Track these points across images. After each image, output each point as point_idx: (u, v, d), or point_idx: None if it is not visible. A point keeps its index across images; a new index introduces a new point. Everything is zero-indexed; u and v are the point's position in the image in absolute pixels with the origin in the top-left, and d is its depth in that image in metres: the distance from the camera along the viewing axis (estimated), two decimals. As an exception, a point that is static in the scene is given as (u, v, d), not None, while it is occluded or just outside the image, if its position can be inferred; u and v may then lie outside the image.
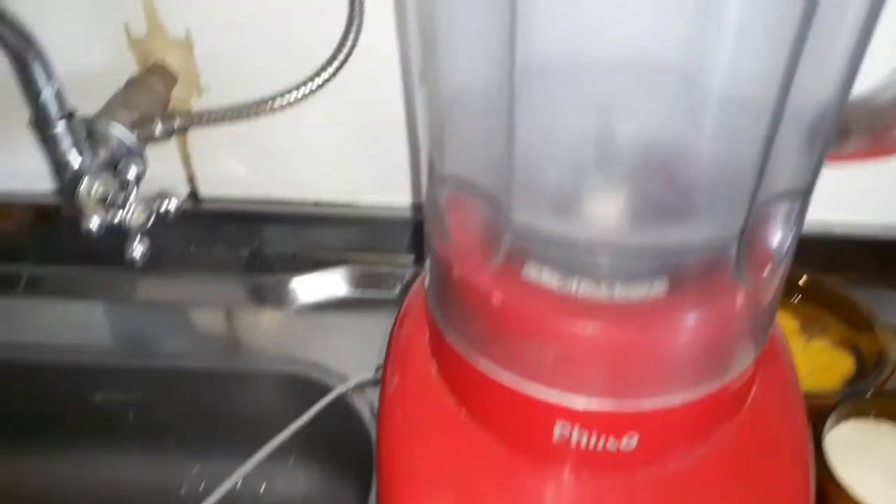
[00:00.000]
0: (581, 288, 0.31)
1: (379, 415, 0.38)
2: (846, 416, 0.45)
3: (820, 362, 0.55)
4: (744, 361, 0.34)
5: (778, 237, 0.33)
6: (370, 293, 0.62)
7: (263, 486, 0.59)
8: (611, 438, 0.33)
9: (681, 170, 0.30)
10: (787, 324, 0.57)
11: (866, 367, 0.54)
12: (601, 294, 0.31)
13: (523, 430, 0.34)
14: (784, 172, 0.31)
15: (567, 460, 0.34)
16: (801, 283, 0.58)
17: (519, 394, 0.33)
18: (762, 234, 0.32)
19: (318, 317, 0.60)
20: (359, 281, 0.62)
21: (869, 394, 0.47)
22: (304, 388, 0.56)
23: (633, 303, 0.32)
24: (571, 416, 0.32)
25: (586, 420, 0.32)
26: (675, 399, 0.32)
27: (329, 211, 0.62)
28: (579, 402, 0.32)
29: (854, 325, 0.57)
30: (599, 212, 0.30)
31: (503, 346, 0.33)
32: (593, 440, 0.33)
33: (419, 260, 0.63)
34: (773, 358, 0.40)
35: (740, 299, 0.32)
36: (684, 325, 0.32)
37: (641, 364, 0.32)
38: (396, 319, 0.43)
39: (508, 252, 0.32)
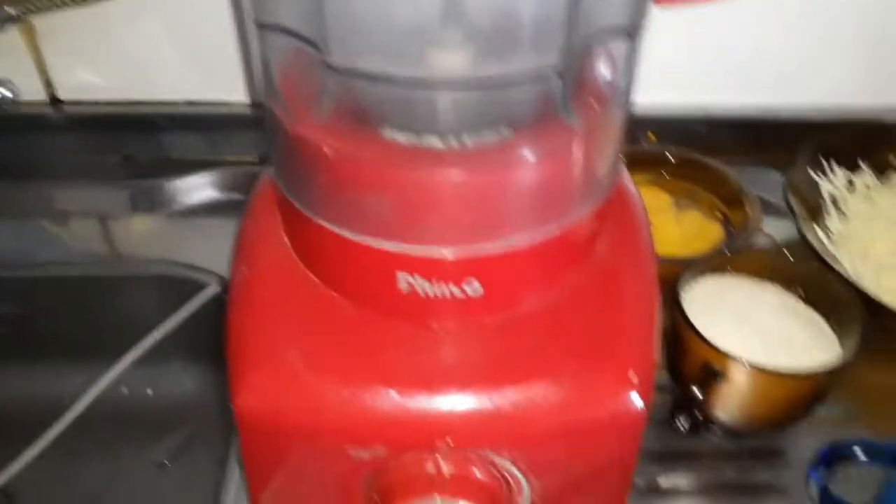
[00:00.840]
0: (415, 138, 0.31)
1: (229, 291, 0.37)
2: (704, 271, 0.47)
3: (691, 232, 0.56)
4: (582, 208, 0.35)
5: (606, 77, 0.33)
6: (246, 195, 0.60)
7: (150, 391, 0.58)
8: (452, 285, 0.33)
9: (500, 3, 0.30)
10: (659, 198, 0.59)
11: (734, 234, 0.56)
12: (437, 143, 0.31)
13: (369, 284, 0.34)
14: (603, 7, 0.31)
15: (417, 311, 0.34)
16: (672, 159, 0.60)
17: (359, 247, 0.33)
18: (588, 73, 0.33)
19: (193, 220, 0.58)
20: (233, 183, 0.60)
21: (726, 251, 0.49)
22: (183, 288, 0.55)
23: (468, 150, 0.31)
24: (411, 265, 0.32)
25: (425, 268, 0.32)
26: (513, 244, 0.33)
27: (201, 111, 0.60)
28: (417, 251, 0.32)
29: (723, 198, 0.59)
30: (415, 47, 0.30)
31: (339, 201, 0.32)
32: (439, 289, 0.33)
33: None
34: (625, 219, 0.41)
35: (574, 142, 0.32)
36: (518, 167, 0.32)
37: (475, 208, 0.32)
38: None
39: (340, 105, 0.32)
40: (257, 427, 0.34)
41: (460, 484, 0.34)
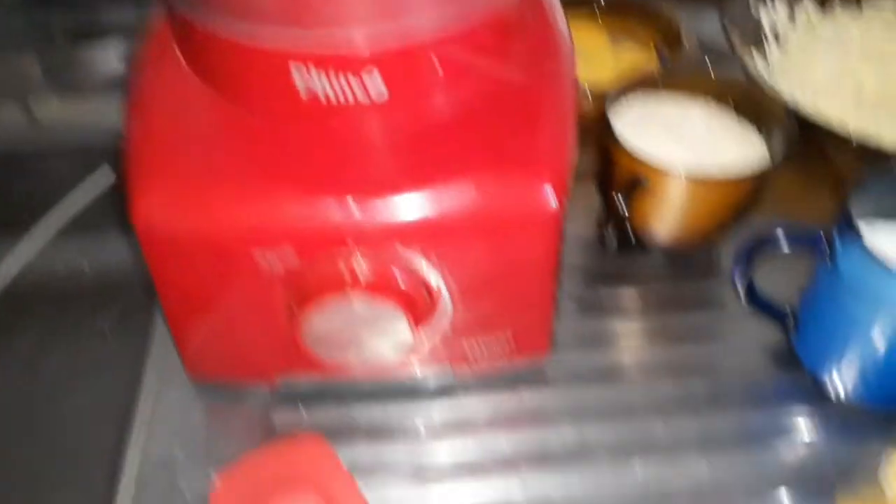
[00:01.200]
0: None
1: (125, 111, 0.36)
2: (634, 89, 0.46)
3: (627, 68, 0.55)
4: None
5: None
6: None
7: (87, 265, 0.57)
8: (352, 78, 0.32)
9: None
10: (596, 36, 0.57)
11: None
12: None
13: (265, 88, 0.33)
14: None
15: (321, 119, 0.33)
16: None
17: (250, 47, 0.31)
18: None
19: (116, 91, 0.56)
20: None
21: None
22: (108, 158, 0.53)
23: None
24: (303, 56, 0.31)
25: (320, 60, 0.31)
26: (413, 32, 0.31)
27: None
28: (309, 39, 0.30)
29: (660, 34, 0.57)
30: None
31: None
32: (339, 88, 0.32)
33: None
34: (544, 32, 0.39)
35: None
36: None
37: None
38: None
39: None
40: (160, 243, 0.33)
41: (375, 284, 0.33)
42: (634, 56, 0.56)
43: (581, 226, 0.47)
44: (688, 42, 0.55)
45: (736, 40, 0.56)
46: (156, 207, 0.33)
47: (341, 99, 0.32)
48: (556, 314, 0.39)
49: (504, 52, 0.36)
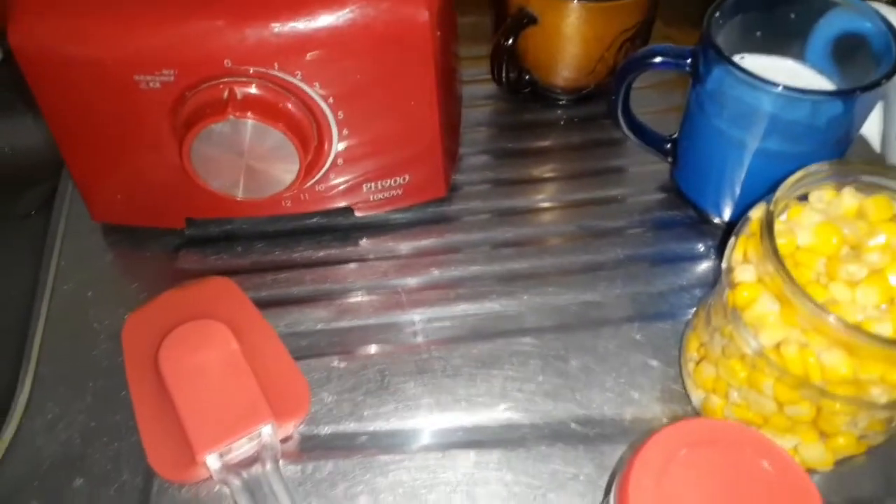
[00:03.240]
0: None
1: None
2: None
3: None
4: None
5: None
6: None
7: (7, 148, 0.57)
8: None
9: None
10: None
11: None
12: None
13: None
14: None
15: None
16: None
17: None
18: None
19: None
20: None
21: None
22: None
23: None
24: None
25: None
26: None
27: None
28: None
29: None
30: None
31: None
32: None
33: None
34: None
35: None
36: None
37: None
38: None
39: None
40: (39, 66, 0.34)
41: (257, 107, 0.34)
42: None
43: (486, 84, 0.49)
44: None
45: None
46: (28, 29, 0.33)
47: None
48: (458, 161, 0.41)
49: None
